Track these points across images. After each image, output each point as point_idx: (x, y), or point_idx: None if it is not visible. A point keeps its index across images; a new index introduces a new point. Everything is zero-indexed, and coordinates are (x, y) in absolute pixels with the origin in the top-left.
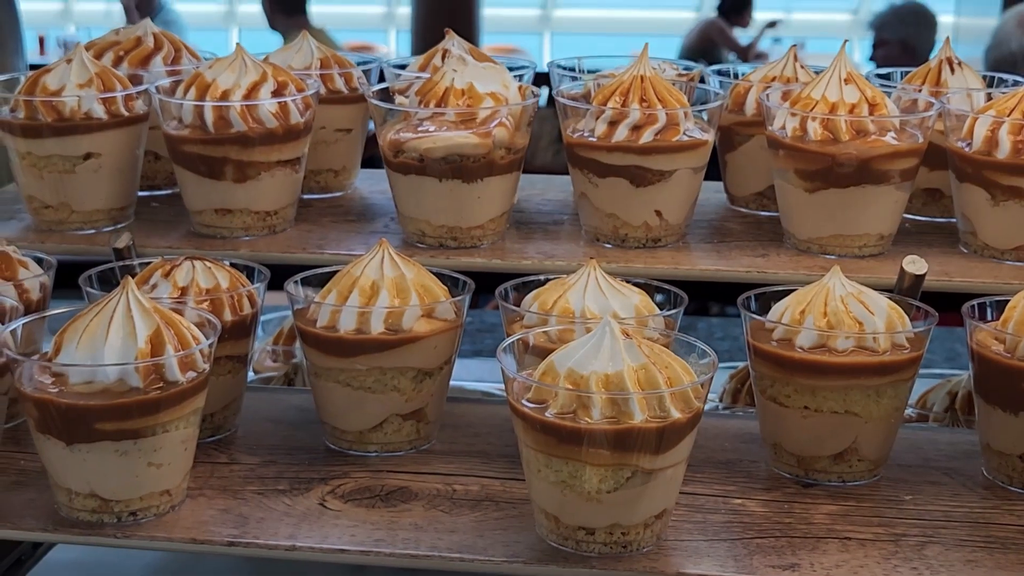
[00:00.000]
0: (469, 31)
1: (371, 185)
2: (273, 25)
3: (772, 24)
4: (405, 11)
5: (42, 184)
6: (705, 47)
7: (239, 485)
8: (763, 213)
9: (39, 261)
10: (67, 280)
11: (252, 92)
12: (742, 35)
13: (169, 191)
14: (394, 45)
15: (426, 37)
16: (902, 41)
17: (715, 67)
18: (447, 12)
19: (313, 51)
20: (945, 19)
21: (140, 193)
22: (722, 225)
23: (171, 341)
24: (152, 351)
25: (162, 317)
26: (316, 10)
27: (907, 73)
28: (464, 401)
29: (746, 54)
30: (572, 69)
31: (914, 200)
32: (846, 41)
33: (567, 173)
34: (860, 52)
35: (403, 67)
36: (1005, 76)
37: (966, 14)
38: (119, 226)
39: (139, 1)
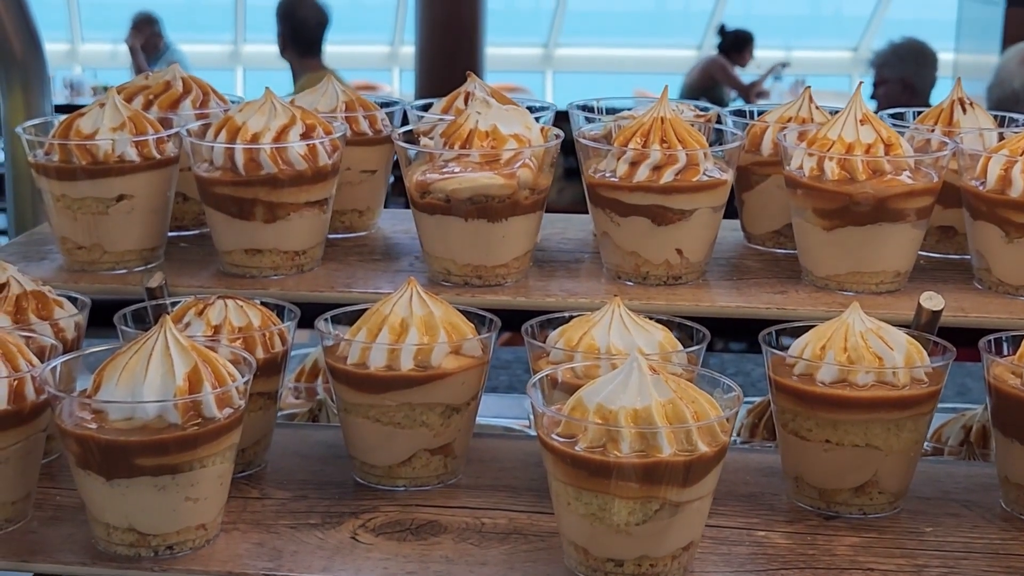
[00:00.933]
0: (472, 70)
1: (393, 224)
2: (283, 54)
3: (783, 65)
4: (408, 50)
5: (75, 225)
6: (707, 85)
7: (272, 519)
8: (780, 251)
9: (73, 300)
10: (94, 319)
11: (282, 135)
12: (742, 73)
13: (196, 231)
14: (397, 84)
15: (430, 76)
16: (902, 79)
17: (731, 108)
18: (450, 51)
19: (338, 94)
20: (945, 56)
21: (169, 234)
22: (740, 263)
23: (208, 378)
24: (190, 388)
25: (199, 355)
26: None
27: (919, 113)
28: (486, 436)
29: (748, 92)
30: (591, 110)
31: (929, 237)
32: (861, 83)
33: (572, 210)
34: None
35: (426, 109)
36: (1016, 116)
37: (965, 51)
38: (150, 266)
39: (144, 43)
